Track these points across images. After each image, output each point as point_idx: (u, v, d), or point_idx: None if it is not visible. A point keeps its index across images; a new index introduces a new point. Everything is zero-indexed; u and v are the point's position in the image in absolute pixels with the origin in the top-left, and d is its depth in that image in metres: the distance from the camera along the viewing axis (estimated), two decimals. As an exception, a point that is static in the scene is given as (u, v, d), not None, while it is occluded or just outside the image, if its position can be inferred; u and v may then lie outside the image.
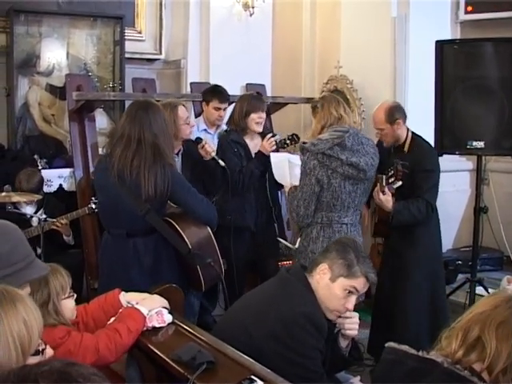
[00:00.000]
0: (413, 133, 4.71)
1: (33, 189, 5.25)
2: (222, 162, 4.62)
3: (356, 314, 3.02)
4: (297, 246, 4.24)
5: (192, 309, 4.49)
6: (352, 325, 3.01)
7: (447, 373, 1.77)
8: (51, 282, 2.76)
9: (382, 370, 1.99)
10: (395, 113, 4.64)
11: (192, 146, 4.70)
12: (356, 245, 3.02)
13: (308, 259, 3.96)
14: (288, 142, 4.99)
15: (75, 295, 2.93)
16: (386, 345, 1.99)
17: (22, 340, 1.67)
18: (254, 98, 5.04)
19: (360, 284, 2.91)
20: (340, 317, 2.97)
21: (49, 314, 2.73)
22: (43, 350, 1.76)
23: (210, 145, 4.65)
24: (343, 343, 3.07)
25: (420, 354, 1.87)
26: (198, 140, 4.69)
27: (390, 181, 4.31)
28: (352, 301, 2.93)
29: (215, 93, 5.59)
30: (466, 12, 6.54)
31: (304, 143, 4.08)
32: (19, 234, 2.30)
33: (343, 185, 3.92)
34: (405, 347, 1.93)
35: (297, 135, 5.06)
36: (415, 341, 2.04)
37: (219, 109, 5.56)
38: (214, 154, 4.61)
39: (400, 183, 4.28)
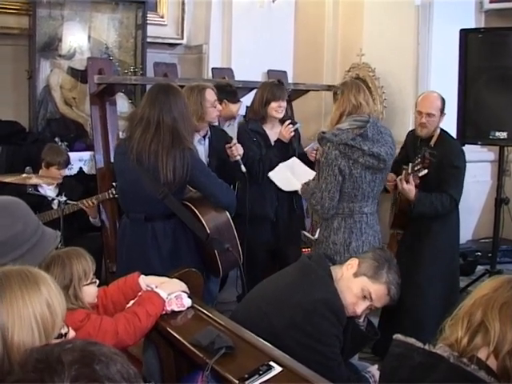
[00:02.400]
0: (441, 128, 4.69)
1: (66, 160, 5.32)
2: (243, 168, 4.56)
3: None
4: (316, 236, 4.23)
5: (210, 295, 4.49)
6: None
7: (453, 369, 1.73)
8: (74, 267, 2.76)
9: (389, 364, 1.97)
10: (444, 104, 4.66)
11: (220, 137, 4.67)
12: (393, 260, 3.01)
13: (329, 250, 3.94)
14: None
15: (97, 281, 2.93)
16: (394, 337, 1.96)
17: (45, 323, 1.65)
18: (274, 86, 4.98)
19: (378, 291, 2.90)
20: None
21: (68, 298, 2.73)
22: (66, 333, 1.75)
23: (238, 148, 4.57)
24: (360, 317, 3.07)
25: (426, 347, 1.84)
26: (229, 139, 4.62)
27: (416, 168, 4.30)
28: (363, 306, 2.92)
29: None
30: (491, 1, 6.46)
31: (323, 133, 4.00)
32: (26, 208, 2.30)
33: (364, 175, 3.88)
34: (412, 340, 1.89)
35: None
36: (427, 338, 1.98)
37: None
38: (238, 158, 4.55)
39: (425, 171, 4.27)
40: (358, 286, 2.89)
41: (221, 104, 5.05)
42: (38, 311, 1.64)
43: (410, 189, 4.35)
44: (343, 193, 3.92)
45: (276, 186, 4.83)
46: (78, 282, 2.77)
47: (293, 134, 4.94)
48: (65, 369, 1.21)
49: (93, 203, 5.18)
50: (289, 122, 4.97)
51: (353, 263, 2.97)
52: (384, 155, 3.85)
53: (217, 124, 4.78)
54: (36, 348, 1.39)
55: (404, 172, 4.37)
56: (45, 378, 1.20)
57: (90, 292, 2.87)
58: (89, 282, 2.84)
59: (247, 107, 5.62)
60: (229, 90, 5.40)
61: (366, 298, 2.91)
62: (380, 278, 2.88)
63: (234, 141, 4.60)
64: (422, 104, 4.69)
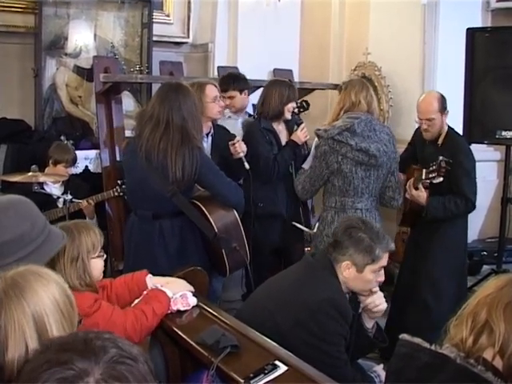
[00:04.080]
0: (448, 126, 4.62)
1: (73, 158, 5.35)
2: (247, 165, 4.49)
3: (378, 290, 3.07)
4: (315, 230, 4.24)
5: (215, 293, 4.49)
6: (380, 299, 3.05)
7: (460, 369, 1.72)
8: (83, 239, 2.77)
9: (395, 364, 1.96)
10: (445, 102, 4.55)
11: (223, 135, 4.64)
12: (364, 224, 3.02)
13: (323, 243, 3.98)
14: (296, 110, 4.93)
15: (105, 256, 2.95)
16: (400, 336, 1.95)
17: (69, 312, 1.67)
18: (291, 86, 4.97)
19: (384, 261, 2.97)
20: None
21: (76, 271, 2.73)
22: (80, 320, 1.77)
23: (242, 145, 4.51)
24: (369, 324, 3.10)
25: (433, 347, 1.82)
26: (232, 136, 4.59)
27: (431, 176, 4.25)
28: (382, 274, 3.00)
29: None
30: (498, 0, 6.44)
31: (318, 129, 4.16)
32: (33, 207, 2.29)
33: (354, 170, 3.93)
34: (418, 340, 1.88)
35: (306, 101, 5.00)
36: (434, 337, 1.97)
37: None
38: (242, 155, 4.49)
39: (441, 179, 4.22)
40: (370, 274, 2.94)
41: (240, 94, 5.22)
42: (60, 302, 1.65)
43: (418, 194, 4.33)
44: (334, 186, 3.99)
45: (286, 183, 4.82)
46: (86, 254, 2.78)
47: (308, 137, 4.92)
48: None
49: (89, 203, 5.18)
50: (304, 125, 4.94)
51: (347, 265, 2.95)
52: (374, 151, 3.86)
53: (219, 118, 4.74)
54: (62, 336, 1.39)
55: (414, 178, 4.34)
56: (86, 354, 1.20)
57: (98, 266, 2.88)
58: (96, 255, 2.85)
59: (253, 105, 5.60)
60: (244, 78, 5.35)
61: (381, 269, 2.98)
62: (379, 254, 2.93)
63: (238, 138, 4.58)
64: (419, 110, 4.61)
